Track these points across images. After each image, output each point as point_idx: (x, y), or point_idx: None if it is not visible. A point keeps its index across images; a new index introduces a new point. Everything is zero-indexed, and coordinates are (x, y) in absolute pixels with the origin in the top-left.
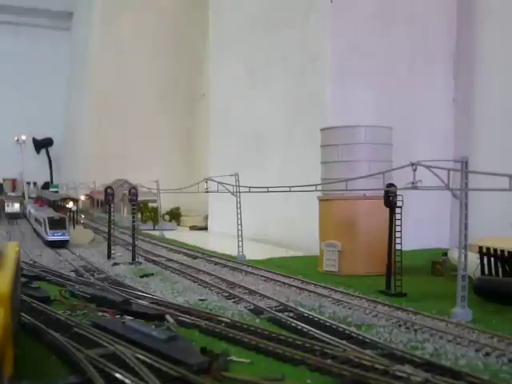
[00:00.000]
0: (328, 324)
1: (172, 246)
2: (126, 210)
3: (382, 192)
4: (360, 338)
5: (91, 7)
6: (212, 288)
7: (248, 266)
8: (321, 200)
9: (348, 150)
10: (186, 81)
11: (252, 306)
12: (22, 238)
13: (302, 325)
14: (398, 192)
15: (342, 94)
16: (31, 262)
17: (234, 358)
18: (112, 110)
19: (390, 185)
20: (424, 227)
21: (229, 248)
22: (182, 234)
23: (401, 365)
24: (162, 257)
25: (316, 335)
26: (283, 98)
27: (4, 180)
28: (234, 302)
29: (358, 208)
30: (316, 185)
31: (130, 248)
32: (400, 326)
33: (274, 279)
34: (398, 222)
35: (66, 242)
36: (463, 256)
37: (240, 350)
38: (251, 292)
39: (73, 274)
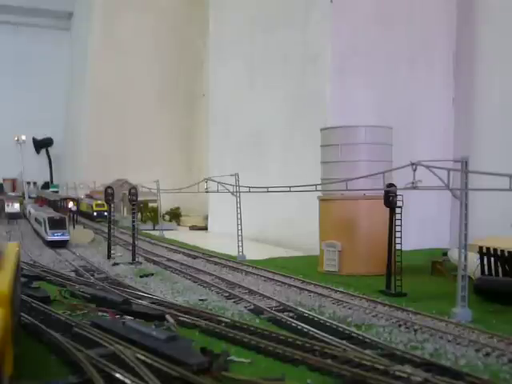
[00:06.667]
0: (328, 324)
1: (172, 246)
2: (126, 209)
3: (382, 192)
4: (360, 337)
5: (91, 7)
6: (212, 288)
7: (248, 266)
8: (321, 200)
9: (348, 150)
10: (185, 81)
11: (252, 306)
12: (22, 238)
13: (302, 325)
14: (398, 192)
15: (342, 94)
16: (31, 262)
17: (234, 358)
18: (112, 109)
19: (390, 185)
20: (424, 227)
21: (229, 248)
22: (181, 234)
23: (401, 365)
24: (162, 257)
25: (316, 335)
26: (283, 97)
27: (4, 180)
28: (234, 301)
29: (358, 208)
30: (316, 185)
31: (130, 248)
32: (400, 325)
33: (274, 279)
34: (398, 222)
35: (66, 241)
36: (463, 256)
37: (240, 350)
38: (251, 292)
39: (73, 274)
